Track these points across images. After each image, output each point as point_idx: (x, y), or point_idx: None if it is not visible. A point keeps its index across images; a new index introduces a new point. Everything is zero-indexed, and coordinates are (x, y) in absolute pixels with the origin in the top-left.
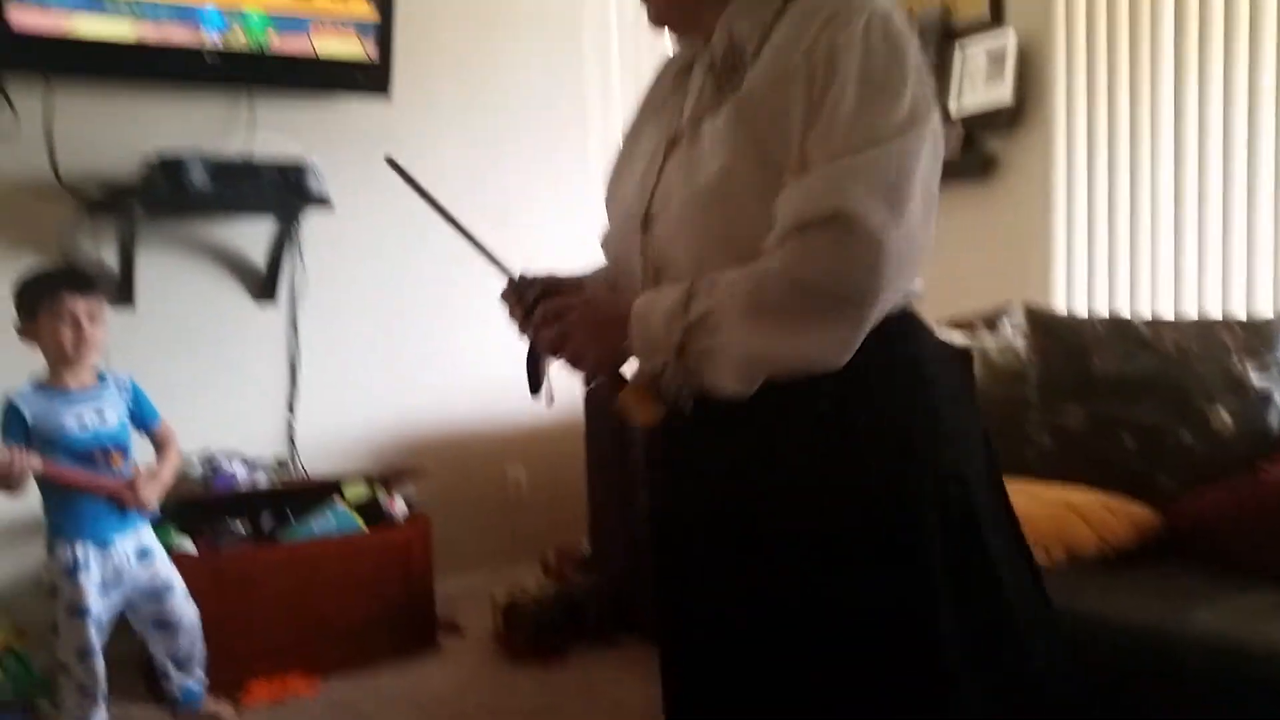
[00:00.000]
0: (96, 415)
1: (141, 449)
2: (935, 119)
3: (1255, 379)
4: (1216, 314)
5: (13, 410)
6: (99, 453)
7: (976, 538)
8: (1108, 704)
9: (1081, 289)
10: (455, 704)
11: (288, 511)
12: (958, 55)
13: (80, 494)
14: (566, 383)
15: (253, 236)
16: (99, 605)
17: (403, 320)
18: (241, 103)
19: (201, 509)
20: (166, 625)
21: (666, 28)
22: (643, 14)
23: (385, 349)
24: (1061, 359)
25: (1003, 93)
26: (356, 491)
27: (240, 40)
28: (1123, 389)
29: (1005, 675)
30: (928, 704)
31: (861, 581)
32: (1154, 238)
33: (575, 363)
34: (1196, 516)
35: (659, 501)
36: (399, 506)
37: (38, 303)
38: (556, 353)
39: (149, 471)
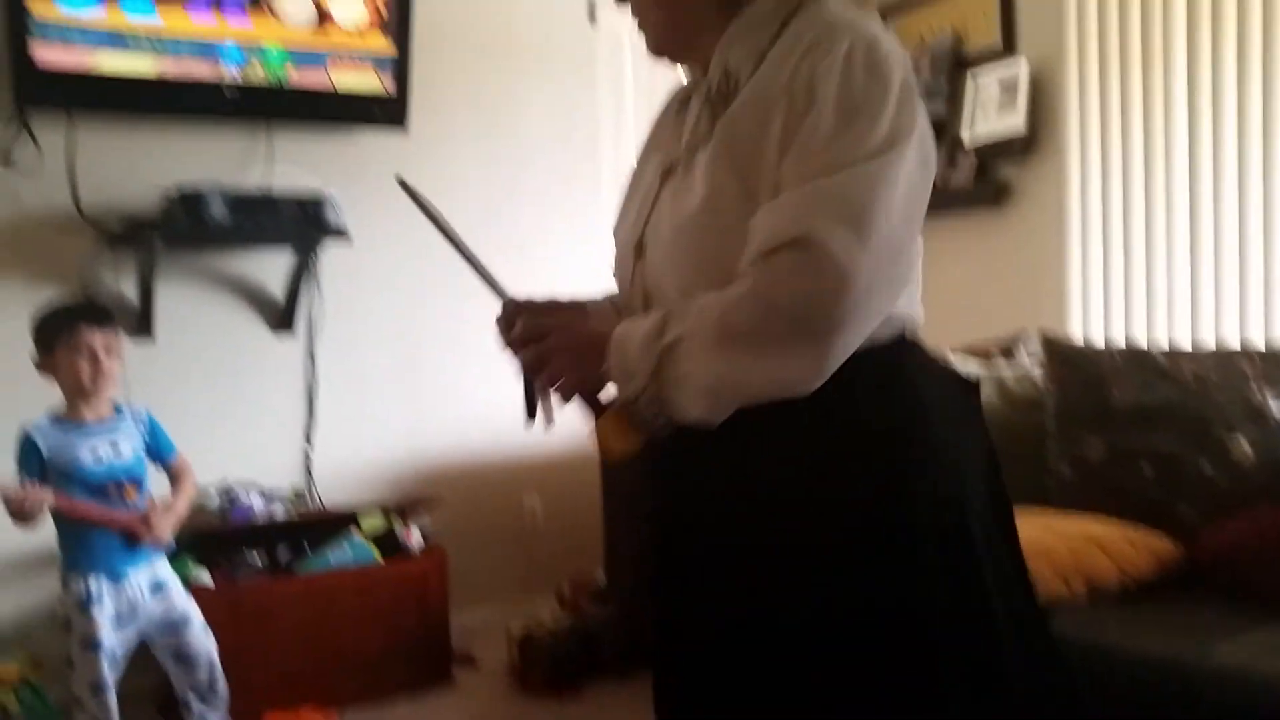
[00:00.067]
0: (111, 448)
1: (158, 481)
2: (920, 141)
3: (1275, 408)
4: (1234, 342)
5: (29, 443)
6: (113, 486)
7: (972, 567)
8: None
9: (1097, 317)
10: None
11: (304, 543)
12: (970, 84)
13: (94, 527)
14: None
15: (271, 268)
16: (113, 639)
17: (419, 350)
18: (260, 136)
19: (218, 541)
20: (184, 658)
21: (665, 56)
22: None
23: (402, 379)
24: (1080, 389)
25: (1016, 121)
26: (373, 523)
27: (259, 75)
28: (1141, 419)
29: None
30: None
31: (847, 605)
32: (1170, 265)
33: (553, 384)
34: (1217, 548)
35: (649, 514)
36: (415, 537)
37: (54, 337)
38: (535, 373)
39: (163, 504)
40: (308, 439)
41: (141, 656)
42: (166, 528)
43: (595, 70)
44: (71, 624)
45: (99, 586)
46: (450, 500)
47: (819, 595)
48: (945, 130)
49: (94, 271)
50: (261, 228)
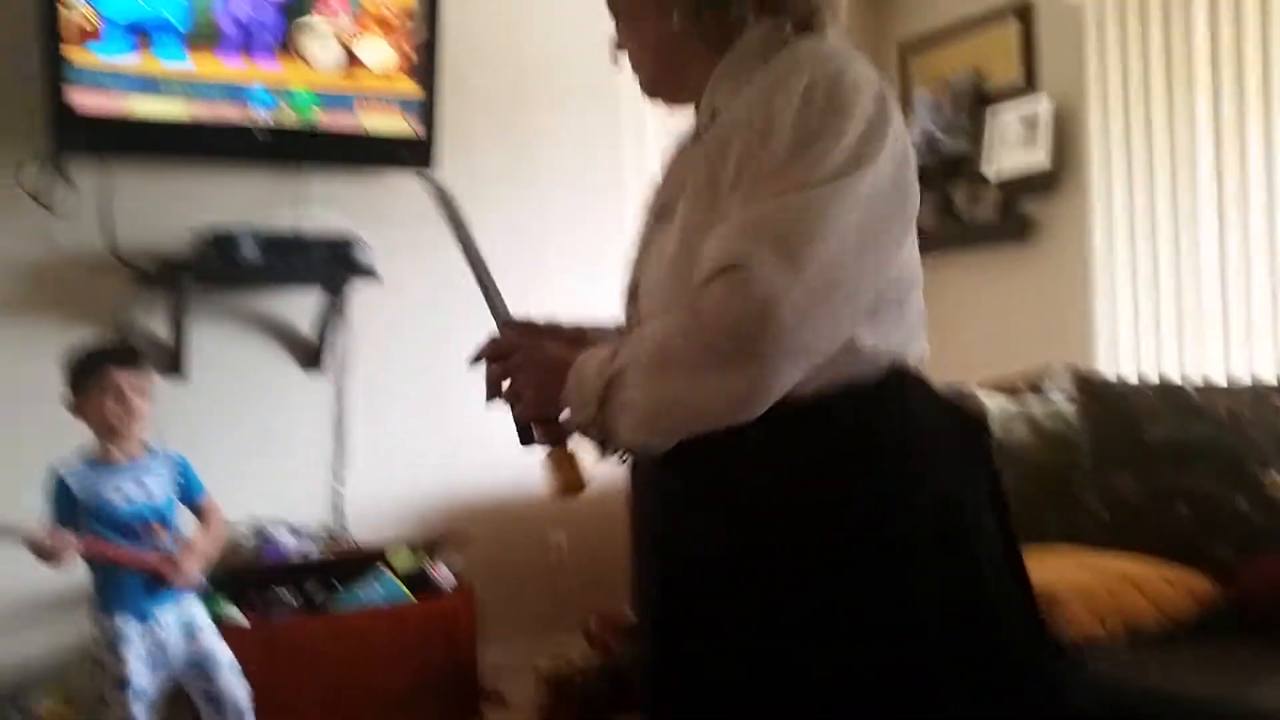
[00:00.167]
0: (139, 488)
1: (187, 522)
2: (895, 167)
3: None
4: (1267, 377)
5: (61, 485)
6: (141, 526)
7: (972, 610)
8: None
9: (1124, 351)
10: None
11: (335, 581)
12: (990, 120)
13: (123, 568)
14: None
15: (301, 308)
16: (144, 679)
17: (446, 388)
18: (290, 178)
19: (251, 579)
20: (214, 700)
21: (659, 98)
22: None
23: (429, 416)
24: (1113, 426)
25: (1038, 156)
26: (403, 560)
27: (289, 118)
28: (1176, 456)
29: None
30: None
31: (838, 649)
32: (1199, 299)
33: (512, 402)
34: (1255, 587)
35: (635, 529)
36: (444, 574)
37: (84, 378)
38: (496, 389)
39: (191, 544)
40: (337, 476)
41: (178, 697)
42: (194, 568)
43: (619, 110)
44: (103, 663)
45: (129, 626)
46: (477, 536)
47: (814, 606)
48: (967, 166)
49: (127, 312)
50: (292, 268)
